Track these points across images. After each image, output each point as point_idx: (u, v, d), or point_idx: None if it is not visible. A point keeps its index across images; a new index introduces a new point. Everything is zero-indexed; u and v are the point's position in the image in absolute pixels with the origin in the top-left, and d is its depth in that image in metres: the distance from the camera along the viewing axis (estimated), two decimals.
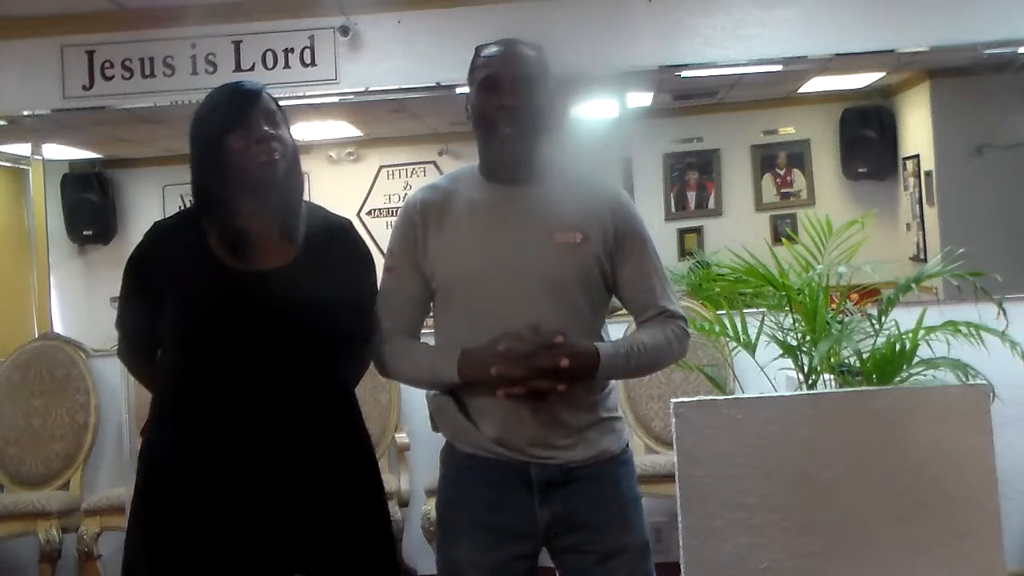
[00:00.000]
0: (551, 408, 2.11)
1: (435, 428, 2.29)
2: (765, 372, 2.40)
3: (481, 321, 2.13)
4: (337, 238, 2.30)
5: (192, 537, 2.15)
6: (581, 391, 2.15)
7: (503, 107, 2.14)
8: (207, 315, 2.17)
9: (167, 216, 2.37)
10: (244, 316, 2.16)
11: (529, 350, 2.05)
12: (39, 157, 5.31)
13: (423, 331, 2.32)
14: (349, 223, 2.37)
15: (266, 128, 2.16)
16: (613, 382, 2.26)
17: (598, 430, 2.19)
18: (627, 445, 2.28)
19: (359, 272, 2.31)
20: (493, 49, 2.21)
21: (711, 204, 7.48)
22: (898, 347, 2.28)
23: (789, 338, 2.39)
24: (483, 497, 2.17)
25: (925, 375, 2.30)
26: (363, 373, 2.46)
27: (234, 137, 2.15)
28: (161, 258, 2.23)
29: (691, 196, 7.48)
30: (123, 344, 2.38)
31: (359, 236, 2.37)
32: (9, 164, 6.48)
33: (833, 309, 2.40)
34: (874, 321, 2.37)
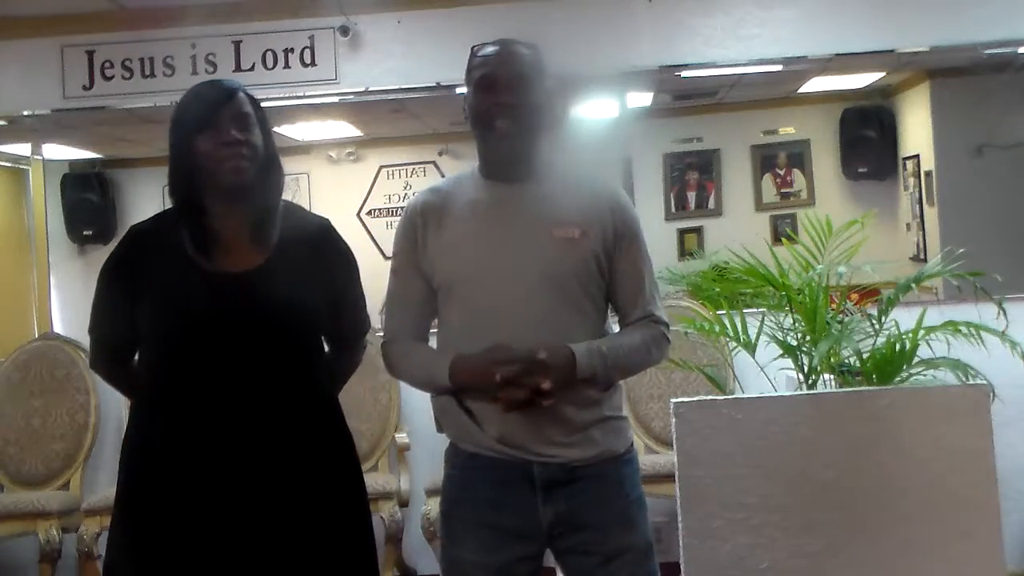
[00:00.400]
0: (554, 406, 2.11)
1: (439, 429, 2.29)
2: (765, 372, 2.39)
3: (482, 317, 2.14)
4: (313, 238, 2.29)
5: (171, 539, 2.14)
6: (585, 388, 2.14)
7: (500, 104, 2.15)
8: (180, 316, 2.16)
9: (143, 220, 2.36)
10: (216, 317, 2.15)
11: (523, 370, 2.06)
12: (39, 157, 5.32)
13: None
14: (328, 223, 2.35)
15: (234, 132, 2.15)
16: (622, 382, 2.26)
17: (601, 429, 2.19)
18: (631, 444, 2.27)
19: (337, 272, 2.30)
20: (489, 49, 2.22)
21: (711, 204, 7.48)
22: (898, 347, 2.27)
23: (789, 338, 2.38)
24: (486, 497, 2.17)
25: (925, 375, 2.29)
26: (351, 373, 2.45)
27: (203, 138, 2.14)
28: (136, 262, 2.22)
29: (691, 196, 7.48)
30: (96, 350, 2.35)
31: (338, 236, 2.35)
32: (9, 164, 6.48)
33: (833, 309, 2.40)
34: (874, 321, 2.37)
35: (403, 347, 2.26)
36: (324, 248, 2.30)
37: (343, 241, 2.35)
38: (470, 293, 2.18)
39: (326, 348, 2.37)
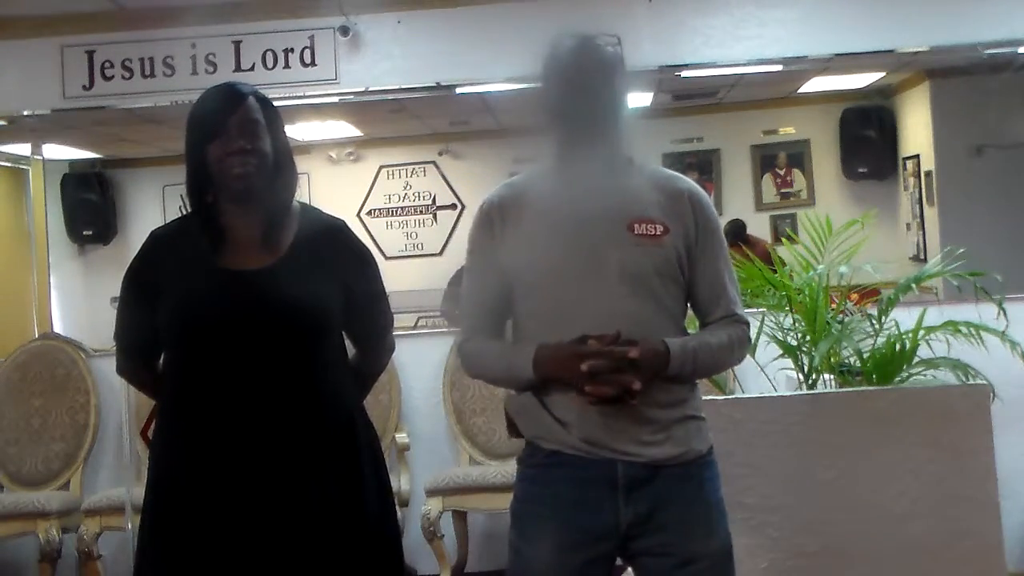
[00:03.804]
0: (639, 406, 2.08)
1: (513, 434, 2.24)
2: (765, 372, 2.40)
3: (560, 315, 2.10)
4: (328, 238, 2.30)
5: (198, 540, 2.15)
6: (670, 387, 2.11)
7: (588, 95, 2.14)
8: (193, 314, 2.18)
9: (164, 223, 2.41)
10: (227, 314, 2.17)
11: (614, 366, 2.02)
12: (39, 157, 5.31)
13: None
14: (343, 223, 2.37)
15: (241, 141, 2.18)
16: (698, 380, 2.23)
17: (684, 428, 2.13)
18: (711, 446, 2.20)
19: (352, 271, 2.31)
20: (576, 39, 2.22)
21: None
22: (898, 347, 2.28)
23: (789, 338, 2.39)
24: (566, 495, 2.11)
25: (925, 375, 2.30)
26: (376, 375, 2.46)
27: (213, 145, 2.18)
28: (157, 264, 2.26)
29: None
30: (121, 355, 2.37)
31: (354, 236, 2.36)
32: (9, 164, 6.48)
33: (833, 309, 2.40)
34: (874, 321, 2.37)
35: (478, 344, 2.21)
36: (339, 247, 2.31)
37: (359, 240, 2.37)
38: (549, 289, 2.14)
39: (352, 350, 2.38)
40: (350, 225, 2.40)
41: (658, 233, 2.13)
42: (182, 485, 2.18)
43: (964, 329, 2.28)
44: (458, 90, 4.82)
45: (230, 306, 2.18)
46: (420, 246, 7.61)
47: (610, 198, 2.16)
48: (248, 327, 2.17)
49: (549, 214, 2.17)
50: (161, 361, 2.32)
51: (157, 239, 2.32)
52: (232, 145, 2.17)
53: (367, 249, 2.37)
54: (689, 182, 2.29)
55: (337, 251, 2.30)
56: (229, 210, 2.22)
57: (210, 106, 2.23)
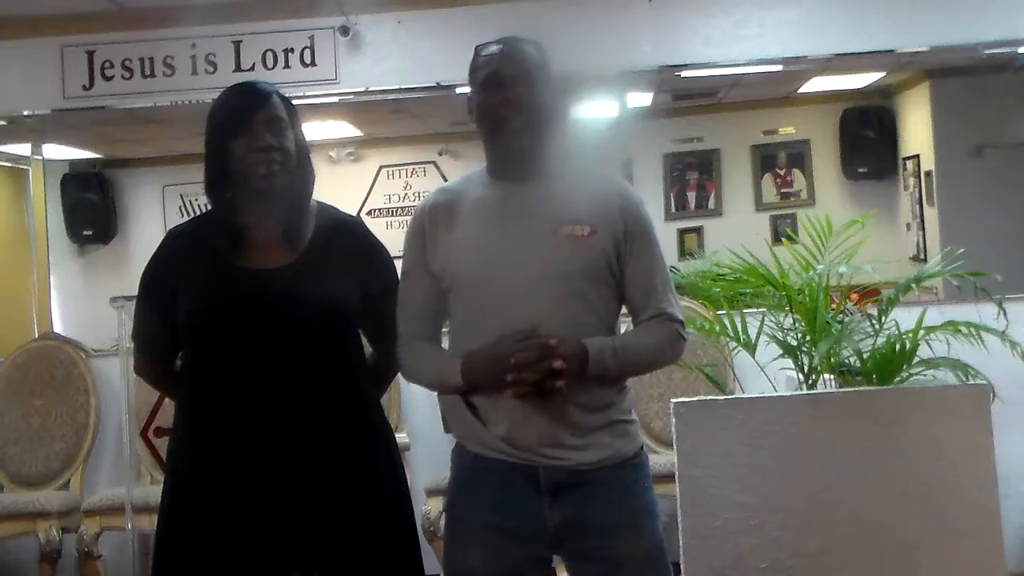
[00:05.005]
0: (562, 407, 2.10)
1: (446, 429, 2.28)
2: (765, 372, 2.39)
3: (490, 317, 2.13)
4: (345, 236, 2.32)
5: (215, 535, 2.16)
6: (594, 390, 2.13)
7: (506, 102, 2.15)
8: (210, 313, 2.19)
9: (182, 222, 2.42)
10: (245, 313, 2.18)
11: (538, 355, 2.04)
12: (39, 157, 5.32)
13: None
14: (360, 222, 2.40)
15: (268, 137, 2.18)
16: (629, 383, 2.24)
17: (610, 432, 2.17)
18: (641, 448, 2.24)
19: (370, 269, 2.32)
20: (492, 47, 2.22)
21: (711, 204, 7.48)
22: (898, 347, 2.27)
23: (789, 338, 2.38)
24: (491, 499, 2.15)
25: (925, 375, 2.29)
26: (394, 373, 2.46)
27: (237, 143, 2.18)
28: (175, 264, 2.28)
29: (691, 196, 7.48)
30: (138, 354, 2.40)
31: (371, 234, 2.39)
32: (9, 164, 6.48)
33: (833, 309, 2.40)
34: (874, 321, 2.37)
35: (413, 349, 2.24)
36: (356, 246, 2.33)
37: (376, 239, 2.39)
38: (477, 292, 2.16)
39: (368, 349, 2.38)
40: (363, 222, 2.42)
41: (585, 234, 2.14)
42: (201, 481, 2.19)
43: (964, 329, 2.28)
44: (458, 90, 4.82)
45: (251, 305, 2.19)
46: None
47: (539, 201, 2.18)
48: (270, 325, 2.18)
49: (478, 217, 2.19)
50: (178, 360, 2.33)
51: (174, 238, 2.33)
52: (258, 142, 2.18)
53: (384, 248, 2.39)
54: (621, 184, 2.30)
55: (355, 249, 2.32)
56: (248, 208, 2.23)
57: (234, 103, 2.24)
